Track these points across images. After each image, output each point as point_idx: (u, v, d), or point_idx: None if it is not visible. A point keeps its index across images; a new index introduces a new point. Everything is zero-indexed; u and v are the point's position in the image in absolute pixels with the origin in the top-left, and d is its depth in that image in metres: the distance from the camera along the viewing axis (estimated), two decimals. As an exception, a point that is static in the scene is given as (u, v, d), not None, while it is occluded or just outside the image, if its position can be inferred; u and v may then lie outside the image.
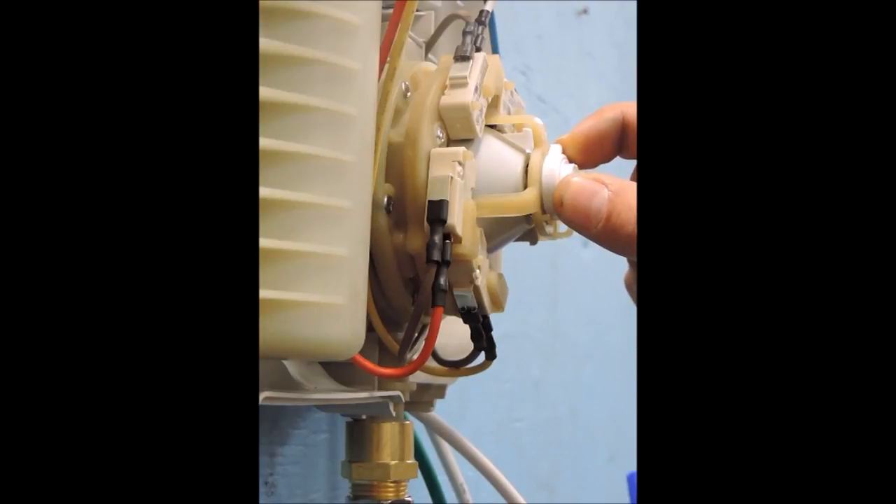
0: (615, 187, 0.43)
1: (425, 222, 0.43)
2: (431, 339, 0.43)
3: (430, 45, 0.54)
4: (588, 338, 1.05)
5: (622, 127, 0.46)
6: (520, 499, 0.61)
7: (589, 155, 0.47)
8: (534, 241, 0.50)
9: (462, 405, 0.77)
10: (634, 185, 0.43)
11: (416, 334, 0.46)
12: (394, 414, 0.50)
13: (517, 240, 0.50)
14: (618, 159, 0.48)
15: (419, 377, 0.51)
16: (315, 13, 0.38)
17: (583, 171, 0.46)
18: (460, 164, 0.44)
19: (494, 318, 0.48)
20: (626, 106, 0.47)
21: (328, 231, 0.39)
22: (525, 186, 0.46)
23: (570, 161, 0.47)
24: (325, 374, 0.48)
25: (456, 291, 0.45)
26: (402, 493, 0.51)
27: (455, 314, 0.46)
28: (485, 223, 0.46)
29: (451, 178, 0.43)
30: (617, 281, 1.16)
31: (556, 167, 0.46)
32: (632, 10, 1.15)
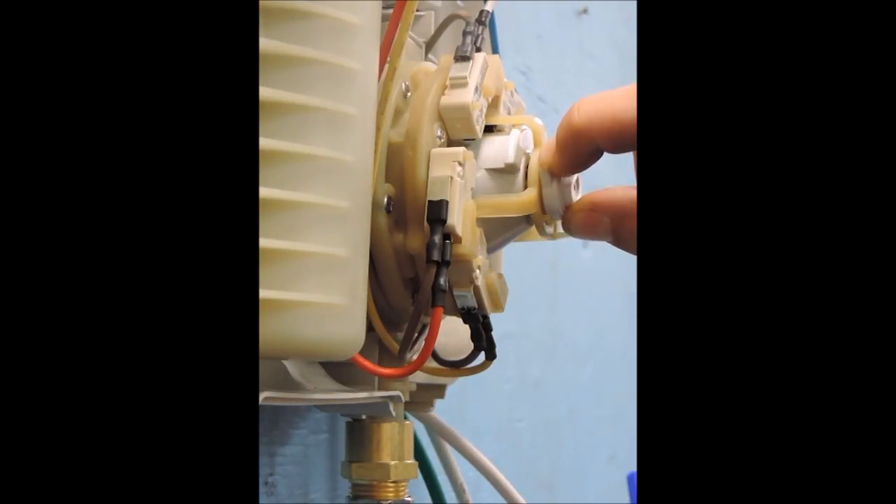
0: (616, 215, 0.45)
1: (425, 222, 0.43)
2: (431, 339, 0.43)
3: (430, 45, 0.54)
4: (588, 338, 1.05)
5: (597, 149, 0.44)
6: (520, 499, 0.61)
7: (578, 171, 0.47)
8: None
9: (462, 405, 0.77)
10: (632, 205, 0.43)
11: (416, 334, 0.46)
12: (394, 414, 0.50)
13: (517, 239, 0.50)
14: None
15: (419, 377, 0.51)
16: (315, 13, 0.38)
17: (581, 199, 0.46)
18: (460, 164, 0.44)
19: (494, 318, 0.48)
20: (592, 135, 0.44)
21: (328, 231, 0.39)
22: (525, 187, 0.46)
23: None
24: (325, 374, 0.48)
25: (456, 291, 0.45)
26: (402, 493, 0.51)
27: (455, 314, 0.46)
28: (485, 223, 0.46)
29: (451, 178, 0.43)
30: (617, 281, 1.15)
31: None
32: (632, 10, 1.15)
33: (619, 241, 0.45)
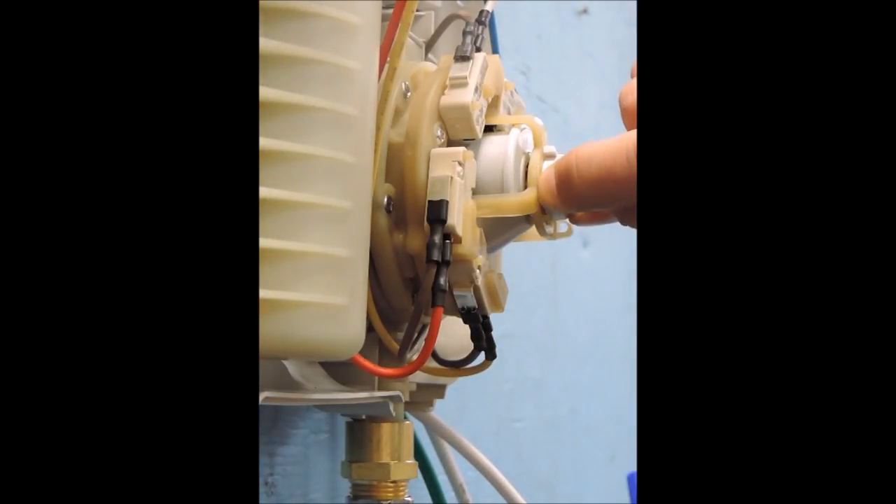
0: (618, 207, 0.47)
1: (425, 222, 0.43)
2: (431, 339, 0.43)
3: (430, 45, 0.54)
4: (588, 338, 1.05)
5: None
6: (520, 499, 0.61)
7: None
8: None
9: (462, 405, 0.77)
10: (633, 199, 0.44)
11: (416, 334, 0.46)
12: (394, 414, 0.50)
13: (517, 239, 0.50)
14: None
15: (419, 377, 0.51)
16: (315, 13, 0.38)
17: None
18: (460, 164, 0.44)
19: (494, 318, 0.48)
20: None
21: (328, 231, 0.39)
22: (525, 187, 0.46)
23: None
24: (325, 374, 0.48)
25: (456, 291, 0.45)
26: (402, 493, 0.51)
27: (455, 314, 0.47)
28: (485, 223, 0.46)
29: (451, 178, 0.43)
30: (617, 281, 1.15)
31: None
32: (632, 10, 1.15)
33: (626, 224, 0.47)
